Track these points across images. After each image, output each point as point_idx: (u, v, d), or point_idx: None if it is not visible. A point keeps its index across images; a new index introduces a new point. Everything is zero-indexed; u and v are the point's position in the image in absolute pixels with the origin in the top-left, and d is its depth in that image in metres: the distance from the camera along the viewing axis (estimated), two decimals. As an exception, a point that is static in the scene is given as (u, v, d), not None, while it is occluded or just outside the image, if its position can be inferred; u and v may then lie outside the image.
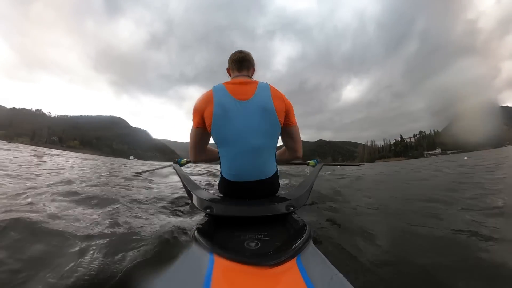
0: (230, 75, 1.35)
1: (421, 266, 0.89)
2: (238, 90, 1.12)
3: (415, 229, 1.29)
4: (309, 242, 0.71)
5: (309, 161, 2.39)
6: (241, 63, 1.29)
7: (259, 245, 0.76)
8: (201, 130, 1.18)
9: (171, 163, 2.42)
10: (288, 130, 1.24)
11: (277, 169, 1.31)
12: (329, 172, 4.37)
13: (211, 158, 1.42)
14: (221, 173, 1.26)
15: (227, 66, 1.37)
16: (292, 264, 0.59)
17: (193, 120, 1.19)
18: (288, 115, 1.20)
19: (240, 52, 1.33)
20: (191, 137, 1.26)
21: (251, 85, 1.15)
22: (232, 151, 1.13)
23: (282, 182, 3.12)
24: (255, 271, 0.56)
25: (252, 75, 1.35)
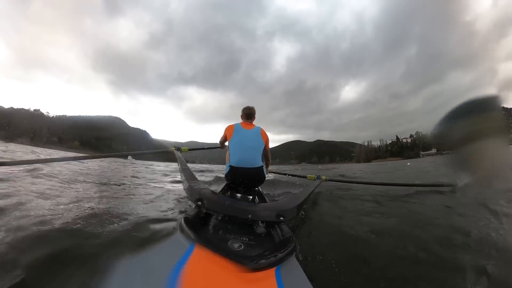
0: (242, 119, 2.57)
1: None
2: (246, 127, 2.38)
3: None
4: (292, 255, 0.72)
5: (307, 175, 2.57)
6: (248, 115, 2.55)
7: (242, 247, 0.75)
8: (224, 139, 2.49)
9: (172, 148, 2.68)
10: (266, 150, 2.38)
11: (263, 165, 2.26)
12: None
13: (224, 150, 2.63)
14: (229, 164, 2.19)
15: (241, 114, 2.60)
16: (270, 273, 0.58)
17: (225, 134, 2.44)
18: (267, 143, 2.37)
19: (249, 108, 2.57)
20: (221, 140, 2.62)
21: (252, 126, 2.42)
22: (239, 148, 2.20)
23: (277, 191, 3.37)
24: (232, 269, 0.55)
25: (253, 120, 2.58)
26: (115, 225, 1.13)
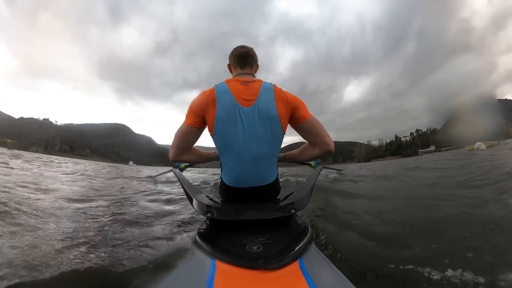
0: (231, 72, 1.28)
1: (425, 263, 0.88)
2: (241, 92, 1.07)
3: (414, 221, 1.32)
4: (311, 244, 0.71)
5: (311, 162, 2.39)
6: (244, 59, 1.22)
7: (261, 248, 0.74)
8: (193, 130, 1.12)
9: (171, 168, 2.43)
10: (303, 126, 1.17)
11: (278, 174, 1.28)
12: (334, 174, 4.44)
13: (196, 160, 1.34)
14: (221, 178, 1.24)
15: (227, 62, 1.29)
16: (294, 267, 0.58)
17: (187, 117, 1.12)
18: (297, 111, 1.13)
19: (243, 47, 1.25)
20: (177, 134, 1.16)
21: (255, 85, 1.10)
22: (234, 158, 1.09)
23: (283, 184, 3.00)
24: (258, 275, 0.55)
25: (255, 72, 1.29)
26: (126, 250, 1.02)
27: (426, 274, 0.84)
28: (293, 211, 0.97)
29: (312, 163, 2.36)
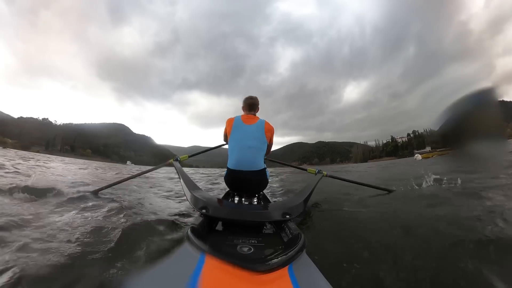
0: (243, 111, 2.19)
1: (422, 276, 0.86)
2: (247, 121, 2.00)
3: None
4: (303, 252, 0.71)
5: (308, 168, 2.43)
6: (251, 106, 2.13)
7: (252, 250, 0.74)
8: (226, 134, 2.09)
9: (171, 160, 2.38)
10: (269, 144, 2.08)
11: (266, 167, 2.01)
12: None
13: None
14: (227, 167, 1.93)
15: (242, 105, 2.20)
16: (283, 272, 0.58)
17: (225, 128, 2.09)
18: (270, 134, 2.03)
19: (251, 98, 2.15)
20: (224, 134, 2.22)
21: (255, 119, 2.04)
22: (237, 147, 1.89)
23: (280, 190, 3.62)
24: (246, 275, 0.56)
25: (256, 112, 2.18)
26: (118, 239, 1.06)
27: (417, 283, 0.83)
28: (287, 216, 0.98)
29: (311, 170, 2.36)
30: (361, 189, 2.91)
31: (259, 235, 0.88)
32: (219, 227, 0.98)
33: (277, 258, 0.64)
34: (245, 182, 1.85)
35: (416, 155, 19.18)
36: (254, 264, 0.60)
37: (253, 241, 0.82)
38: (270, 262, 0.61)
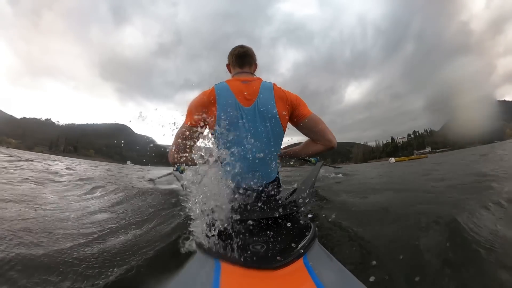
0: (230, 71, 1.32)
1: (432, 259, 0.85)
2: (241, 90, 1.10)
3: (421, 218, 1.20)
4: (315, 241, 0.70)
5: (311, 159, 2.28)
6: (243, 58, 1.26)
7: (265, 247, 0.74)
8: (193, 129, 1.10)
9: (171, 170, 2.40)
10: (304, 124, 1.19)
11: (278, 175, 1.27)
12: (334, 174, 4.35)
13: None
14: None
15: (226, 62, 1.33)
16: (299, 264, 0.58)
17: (187, 116, 1.14)
18: (297, 110, 1.16)
19: (242, 46, 1.29)
20: (177, 135, 1.13)
21: (255, 84, 1.14)
22: (234, 157, 1.05)
23: (283, 181, 3.00)
24: (263, 274, 0.55)
25: (254, 71, 1.31)
26: (135, 255, 0.99)
27: (434, 270, 0.80)
28: (295, 208, 0.96)
29: (312, 159, 2.27)
30: (363, 181, 3.39)
31: (269, 231, 0.89)
32: (228, 229, 0.95)
33: (291, 251, 0.64)
34: (251, 198, 1.46)
35: (390, 158, 20.62)
36: (269, 261, 0.61)
37: (264, 238, 0.82)
38: (284, 256, 0.61)
